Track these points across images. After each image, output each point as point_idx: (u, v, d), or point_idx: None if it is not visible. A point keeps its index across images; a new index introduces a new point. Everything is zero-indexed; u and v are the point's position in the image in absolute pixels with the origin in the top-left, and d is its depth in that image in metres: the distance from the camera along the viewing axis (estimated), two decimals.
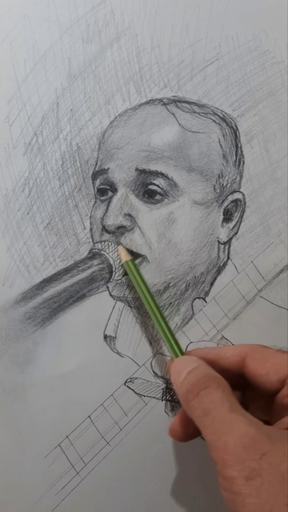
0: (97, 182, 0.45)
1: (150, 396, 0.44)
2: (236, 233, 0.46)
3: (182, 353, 0.40)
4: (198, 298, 0.45)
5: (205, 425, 0.32)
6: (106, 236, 0.44)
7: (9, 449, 0.43)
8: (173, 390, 0.44)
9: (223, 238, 0.45)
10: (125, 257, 0.43)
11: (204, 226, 0.45)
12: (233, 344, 0.45)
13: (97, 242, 0.45)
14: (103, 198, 0.45)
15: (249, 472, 0.28)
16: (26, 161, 0.45)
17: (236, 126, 0.46)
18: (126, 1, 0.46)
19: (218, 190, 0.45)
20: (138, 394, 0.44)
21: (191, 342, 0.45)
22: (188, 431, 0.38)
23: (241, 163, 0.46)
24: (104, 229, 0.44)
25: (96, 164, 0.45)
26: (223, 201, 0.45)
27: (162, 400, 0.44)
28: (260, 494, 0.28)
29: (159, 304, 0.45)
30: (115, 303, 0.45)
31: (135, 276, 0.42)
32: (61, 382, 0.43)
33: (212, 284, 0.45)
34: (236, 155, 0.46)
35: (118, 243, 0.44)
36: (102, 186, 0.45)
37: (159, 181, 0.44)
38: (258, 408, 0.37)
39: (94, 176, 0.45)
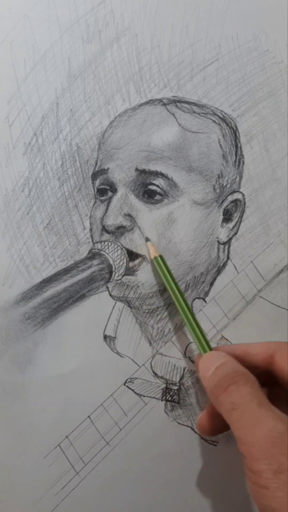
0: (97, 182, 0.45)
1: (150, 396, 0.44)
2: (236, 233, 0.46)
3: (210, 349, 0.40)
4: (198, 298, 0.45)
5: (233, 420, 0.33)
6: (106, 236, 0.44)
7: (9, 449, 0.43)
8: (173, 390, 0.44)
9: (223, 238, 0.45)
10: (154, 252, 0.43)
11: (204, 226, 0.45)
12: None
13: (97, 242, 0.45)
14: (103, 198, 0.45)
15: (277, 467, 0.29)
16: (26, 161, 0.45)
17: (236, 126, 0.46)
18: (126, 1, 0.46)
19: (218, 190, 0.45)
20: (138, 394, 0.44)
21: (191, 342, 0.45)
22: (216, 426, 0.39)
23: (241, 163, 0.46)
24: (104, 229, 0.44)
25: (96, 164, 0.45)
26: (222, 201, 0.45)
27: (162, 400, 0.44)
28: None
29: (160, 304, 0.45)
30: (115, 303, 0.45)
31: (165, 272, 0.42)
32: (61, 382, 0.44)
33: (211, 284, 0.45)
34: (236, 155, 0.46)
35: (147, 239, 0.44)
36: (102, 186, 0.45)
37: (159, 181, 0.44)
38: (285, 405, 0.37)
39: (94, 176, 0.45)
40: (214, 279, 0.45)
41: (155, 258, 0.43)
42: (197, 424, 0.40)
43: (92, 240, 0.45)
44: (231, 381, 0.34)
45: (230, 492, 0.44)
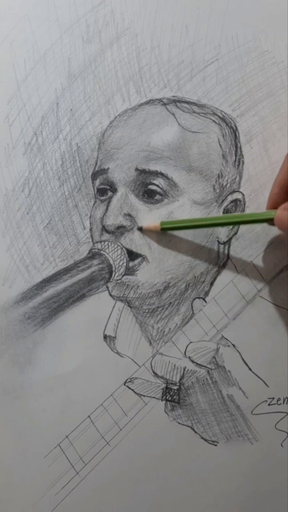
0: (97, 182, 0.45)
1: (150, 396, 0.44)
2: (235, 233, 0.46)
3: None
4: (198, 298, 0.45)
5: None
6: (106, 236, 0.44)
7: (9, 449, 0.43)
8: (173, 390, 0.44)
9: (223, 238, 0.45)
10: (157, 226, 0.43)
11: None
12: (233, 345, 0.45)
13: (97, 242, 0.45)
14: (103, 198, 0.45)
15: None
16: (26, 161, 0.45)
17: (236, 126, 0.46)
18: (126, 1, 0.46)
19: (217, 190, 0.45)
20: (138, 394, 0.44)
21: (191, 342, 0.45)
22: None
23: (241, 163, 0.46)
24: (104, 229, 0.44)
25: (96, 164, 0.45)
26: (222, 201, 0.45)
27: (162, 400, 0.44)
28: None
29: (160, 304, 0.45)
30: (115, 303, 0.45)
31: (179, 223, 0.43)
32: (61, 382, 0.44)
33: (212, 284, 0.45)
34: (235, 155, 0.46)
35: (139, 228, 0.44)
36: (102, 186, 0.45)
37: (159, 181, 0.44)
38: None
39: (94, 176, 0.45)
40: (214, 279, 0.45)
41: (162, 228, 0.43)
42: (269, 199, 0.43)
43: (92, 240, 0.45)
44: None
45: (230, 492, 0.44)
